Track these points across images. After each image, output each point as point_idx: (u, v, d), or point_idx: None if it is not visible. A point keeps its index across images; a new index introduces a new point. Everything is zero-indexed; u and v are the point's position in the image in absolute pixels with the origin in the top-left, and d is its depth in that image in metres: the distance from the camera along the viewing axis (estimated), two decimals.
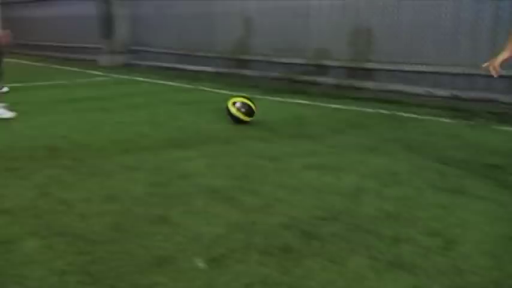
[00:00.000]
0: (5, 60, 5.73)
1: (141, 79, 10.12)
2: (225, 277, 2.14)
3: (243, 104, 5.41)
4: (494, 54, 3.69)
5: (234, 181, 3.46)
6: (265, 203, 3.04)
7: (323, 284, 2.10)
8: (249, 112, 5.39)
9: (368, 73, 8.31)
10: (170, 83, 9.29)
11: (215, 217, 2.81)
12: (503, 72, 3.74)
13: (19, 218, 2.80)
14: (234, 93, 7.75)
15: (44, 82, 9.30)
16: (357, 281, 2.13)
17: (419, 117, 5.97)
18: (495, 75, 3.72)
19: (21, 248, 2.42)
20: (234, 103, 5.41)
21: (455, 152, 4.30)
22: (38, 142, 4.51)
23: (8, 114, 5.67)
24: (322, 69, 8.79)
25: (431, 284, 2.12)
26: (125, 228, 2.67)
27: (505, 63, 3.68)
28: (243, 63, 10.18)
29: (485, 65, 3.84)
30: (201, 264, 2.24)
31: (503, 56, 3.62)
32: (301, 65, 9.15)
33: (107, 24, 12.97)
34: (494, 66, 3.72)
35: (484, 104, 6.54)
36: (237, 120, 5.39)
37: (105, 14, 12.83)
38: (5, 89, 6.17)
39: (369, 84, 8.16)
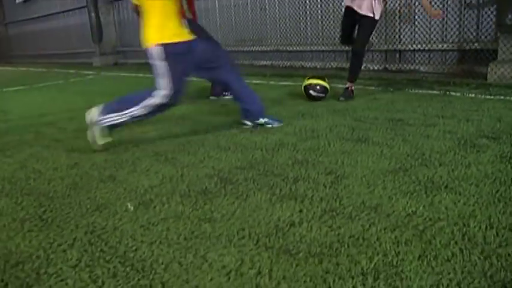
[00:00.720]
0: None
1: (125, 74, 10.20)
2: (147, 215, 2.31)
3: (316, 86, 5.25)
4: None
5: (178, 146, 3.61)
6: (199, 160, 3.21)
7: (224, 213, 2.28)
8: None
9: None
10: (148, 75, 9.35)
11: (154, 173, 2.97)
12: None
13: None
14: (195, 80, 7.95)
15: (42, 83, 9.38)
16: (253, 210, 2.31)
17: None
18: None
19: None
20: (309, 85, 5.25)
21: (369, 112, 4.46)
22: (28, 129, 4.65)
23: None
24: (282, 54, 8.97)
25: (312, 207, 2.31)
26: (80, 186, 2.83)
27: None
28: None
29: (435, 14, 4.74)
30: (130, 207, 2.42)
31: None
32: (263, 52, 9.32)
33: (97, 30, 13.11)
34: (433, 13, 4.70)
35: (406, 74, 6.79)
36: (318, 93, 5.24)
37: (95, 22, 12.97)
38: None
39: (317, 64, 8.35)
